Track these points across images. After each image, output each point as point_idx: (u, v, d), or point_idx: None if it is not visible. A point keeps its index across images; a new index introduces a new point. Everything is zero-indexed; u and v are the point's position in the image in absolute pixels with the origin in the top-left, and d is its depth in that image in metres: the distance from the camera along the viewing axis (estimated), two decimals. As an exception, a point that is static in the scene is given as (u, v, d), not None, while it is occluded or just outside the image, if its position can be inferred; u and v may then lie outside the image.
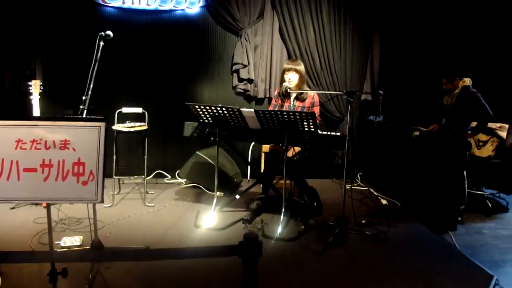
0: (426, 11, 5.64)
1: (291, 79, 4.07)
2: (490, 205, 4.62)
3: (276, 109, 4.22)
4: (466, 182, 4.21)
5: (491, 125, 4.79)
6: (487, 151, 4.83)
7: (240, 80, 5.40)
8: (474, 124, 4.55)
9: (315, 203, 4.30)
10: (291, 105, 4.15)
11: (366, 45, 5.65)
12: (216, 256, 1.81)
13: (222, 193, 4.74)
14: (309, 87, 4.89)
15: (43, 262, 2.73)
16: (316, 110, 4.15)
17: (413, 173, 4.47)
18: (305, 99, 4.15)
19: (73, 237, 3.38)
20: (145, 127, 4.49)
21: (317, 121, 4.12)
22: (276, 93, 4.33)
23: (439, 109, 4.68)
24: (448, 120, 4.49)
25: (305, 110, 4.08)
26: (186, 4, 5.19)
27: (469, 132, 4.45)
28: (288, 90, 4.05)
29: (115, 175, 4.47)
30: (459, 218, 4.21)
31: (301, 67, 4.12)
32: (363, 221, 4.06)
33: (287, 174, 3.82)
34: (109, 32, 3.31)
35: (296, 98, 4.15)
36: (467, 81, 4.40)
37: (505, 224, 4.34)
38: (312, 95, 4.17)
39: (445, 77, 4.48)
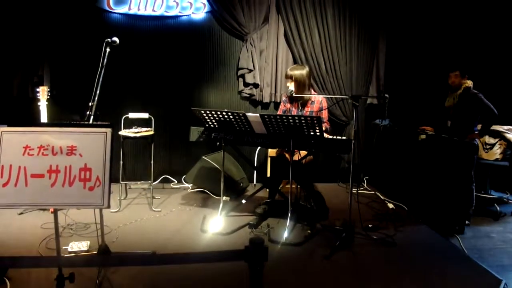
0: (431, 14, 5.63)
1: (289, 87, 4.10)
2: (498, 208, 4.59)
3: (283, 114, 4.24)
4: (474, 184, 4.19)
5: (498, 127, 4.75)
6: (495, 154, 4.80)
7: (246, 84, 5.42)
8: (479, 126, 4.51)
9: (321, 208, 4.30)
10: (299, 110, 4.15)
11: (371, 49, 5.65)
12: (222, 261, 1.81)
13: (228, 198, 4.75)
14: (315, 91, 4.89)
15: (51, 267, 2.74)
16: (324, 114, 4.15)
17: (420, 176, 4.45)
18: (313, 104, 4.15)
19: (80, 242, 3.39)
20: (152, 132, 4.51)
21: (327, 126, 4.13)
22: (284, 97, 4.34)
23: (442, 111, 4.63)
24: (454, 122, 4.45)
25: (313, 114, 4.08)
26: (191, 9, 5.22)
27: (476, 132, 4.40)
28: (294, 95, 4.06)
29: (122, 180, 4.49)
30: (466, 222, 4.18)
31: (297, 72, 4.08)
32: (370, 225, 4.04)
33: (294, 178, 3.82)
34: (115, 38, 3.33)
35: (303, 104, 4.16)
36: (469, 82, 4.36)
37: (513, 227, 4.31)
38: (320, 99, 4.17)
39: (460, 69, 4.37)
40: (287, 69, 5.41)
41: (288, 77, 4.12)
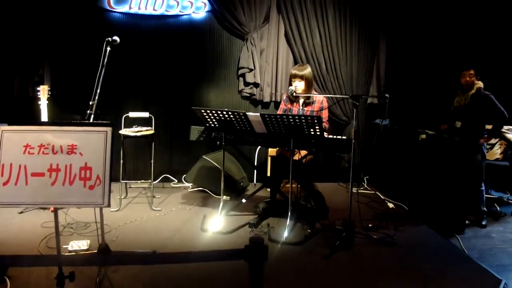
0: (431, 14, 5.62)
1: (297, 86, 4.07)
2: (498, 208, 4.59)
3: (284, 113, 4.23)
4: (483, 184, 4.21)
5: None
6: (495, 154, 4.79)
7: (246, 84, 5.42)
8: (488, 127, 4.44)
9: (321, 207, 4.30)
10: (300, 110, 4.14)
11: (372, 49, 5.65)
12: (222, 260, 1.81)
13: (228, 197, 4.75)
14: (316, 91, 4.89)
15: (51, 266, 2.75)
16: (325, 114, 4.14)
17: (420, 176, 4.45)
18: (314, 103, 4.14)
19: (80, 241, 3.40)
20: (152, 132, 4.51)
21: (326, 125, 4.12)
22: (285, 97, 4.32)
23: (451, 111, 4.54)
24: (464, 124, 4.34)
25: (314, 114, 4.07)
26: (192, 9, 5.22)
27: (486, 136, 4.32)
28: (294, 94, 4.06)
29: (122, 179, 4.50)
30: (467, 222, 4.18)
31: (307, 72, 4.09)
32: (370, 225, 4.04)
33: (294, 178, 3.82)
34: (115, 38, 3.33)
35: (305, 103, 4.15)
36: (480, 83, 4.28)
37: (514, 227, 4.30)
38: (321, 99, 4.16)
39: (474, 69, 4.26)
40: (287, 68, 5.46)
41: (298, 77, 4.06)
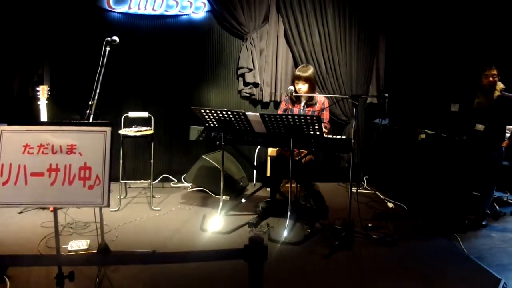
0: (431, 14, 5.62)
1: (301, 89, 4.05)
2: (498, 208, 4.58)
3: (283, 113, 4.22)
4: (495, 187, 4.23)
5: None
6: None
7: (246, 84, 5.42)
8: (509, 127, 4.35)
9: (320, 207, 4.30)
10: (301, 110, 4.13)
11: (371, 49, 5.65)
12: (221, 260, 1.81)
13: (228, 197, 4.75)
14: (316, 91, 4.88)
15: (50, 266, 2.75)
16: (326, 115, 4.14)
17: (419, 176, 4.45)
18: (316, 104, 4.13)
19: (80, 241, 3.40)
20: (151, 132, 4.51)
21: (327, 126, 4.12)
22: (286, 97, 4.30)
23: (469, 113, 4.30)
24: (488, 127, 4.12)
25: (315, 114, 4.07)
26: (191, 9, 5.22)
27: (507, 141, 4.20)
28: (294, 94, 4.05)
29: (122, 179, 4.49)
30: (466, 222, 4.17)
31: (310, 73, 4.06)
32: (370, 225, 4.04)
33: (293, 177, 3.82)
34: (115, 38, 3.32)
35: (307, 104, 4.13)
36: (501, 84, 4.11)
37: (513, 227, 4.30)
38: (322, 100, 4.15)
39: (497, 68, 4.04)
40: (287, 68, 5.47)
41: (302, 79, 4.03)
